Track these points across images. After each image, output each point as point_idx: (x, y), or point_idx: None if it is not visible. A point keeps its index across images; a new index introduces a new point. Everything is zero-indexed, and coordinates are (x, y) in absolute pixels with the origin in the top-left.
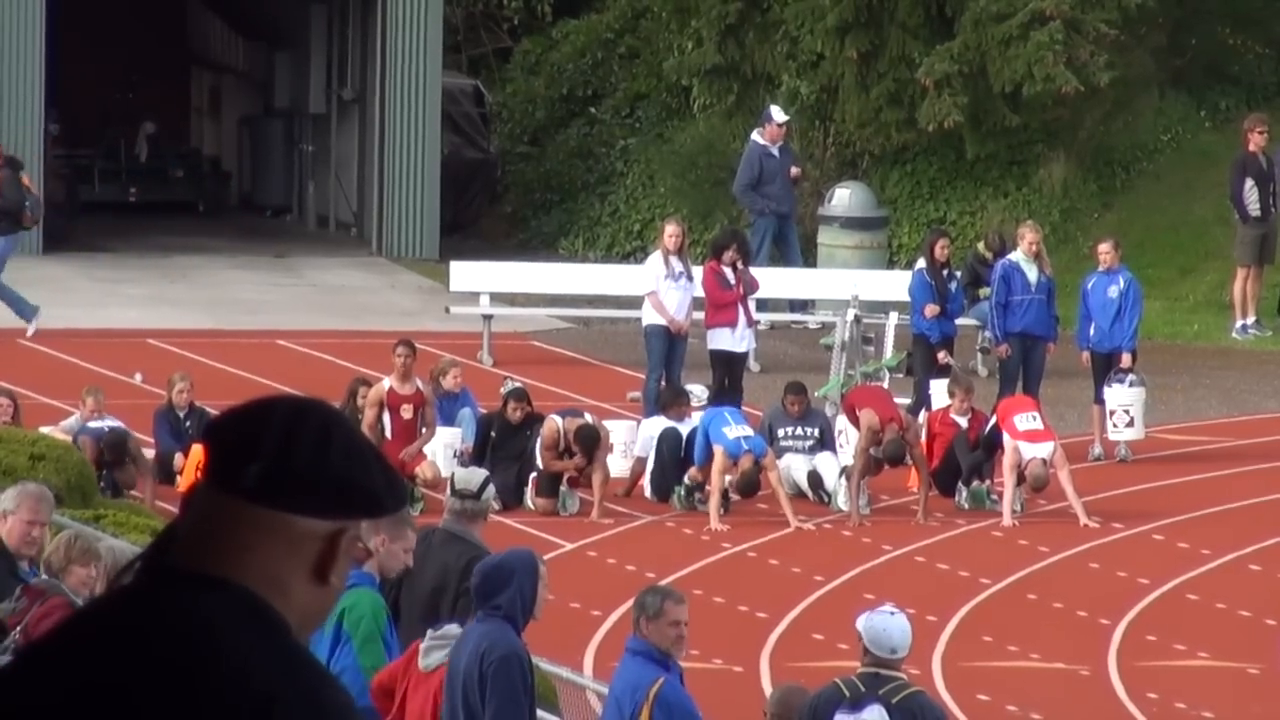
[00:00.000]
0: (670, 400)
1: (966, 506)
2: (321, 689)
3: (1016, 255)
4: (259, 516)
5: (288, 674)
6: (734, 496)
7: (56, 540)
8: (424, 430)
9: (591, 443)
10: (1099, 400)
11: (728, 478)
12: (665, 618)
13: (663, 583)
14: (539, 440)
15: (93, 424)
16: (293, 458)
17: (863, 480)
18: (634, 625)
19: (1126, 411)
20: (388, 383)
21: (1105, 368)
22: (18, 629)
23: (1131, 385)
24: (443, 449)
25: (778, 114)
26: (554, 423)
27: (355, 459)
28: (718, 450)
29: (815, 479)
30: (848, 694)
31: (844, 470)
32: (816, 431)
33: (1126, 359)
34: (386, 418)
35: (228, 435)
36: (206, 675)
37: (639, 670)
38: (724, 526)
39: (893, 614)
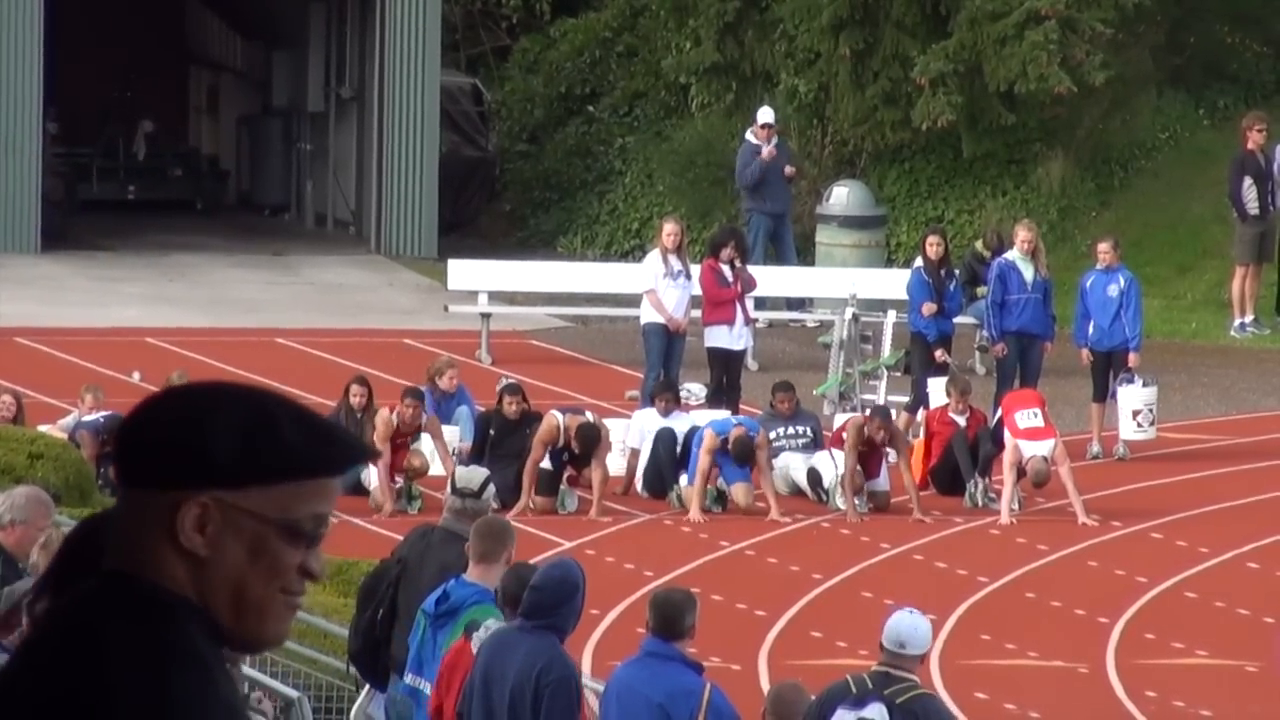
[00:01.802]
0: (657, 391)
1: (980, 504)
2: (183, 689)
3: (1013, 254)
4: (129, 499)
5: (149, 674)
6: (726, 489)
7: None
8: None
9: (591, 442)
10: (1098, 399)
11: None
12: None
13: (661, 581)
14: (538, 434)
15: (88, 417)
16: (134, 432)
17: (854, 481)
18: (662, 630)
19: (1151, 410)
20: (394, 417)
21: (1104, 367)
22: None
23: (1147, 385)
24: (428, 439)
25: (763, 115)
26: (554, 418)
27: (190, 423)
28: (708, 432)
29: (815, 476)
30: (854, 690)
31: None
32: (808, 430)
33: (1134, 358)
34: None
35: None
36: (68, 673)
37: (676, 676)
38: (703, 518)
39: (910, 612)
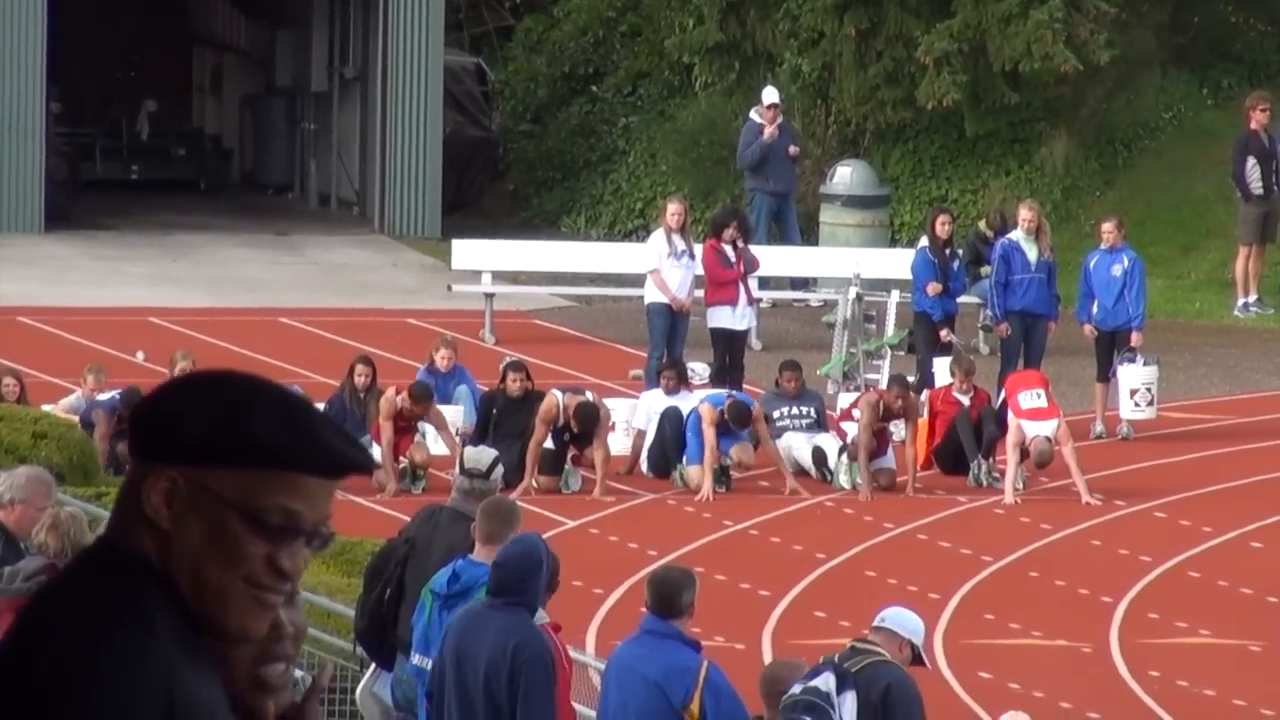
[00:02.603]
0: (660, 369)
1: (984, 483)
2: (107, 648)
3: (1016, 234)
4: (133, 473)
5: (79, 631)
6: (731, 462)
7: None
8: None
9: (590, 421)
10: (1102, 378)
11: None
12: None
13: (665, 560)
14: (539, 414)
15: (102, 396)
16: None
17: (849, 452)
18: (660, 609)
19: (1149, 389)
20: (400, 402)
21: (1109, 346)
22: None
23: (1146, 364)
24: (436, 431)
25: (768, 96)
26: (554, 397)
27: (188, 397)
28: (704, 408)
29: (820, 455)
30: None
31: (843, 448)
32: (812, 411)
33: (1137, 338)
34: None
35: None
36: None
37: (672, 653)
38: (713, 495)
39: (907, 606)
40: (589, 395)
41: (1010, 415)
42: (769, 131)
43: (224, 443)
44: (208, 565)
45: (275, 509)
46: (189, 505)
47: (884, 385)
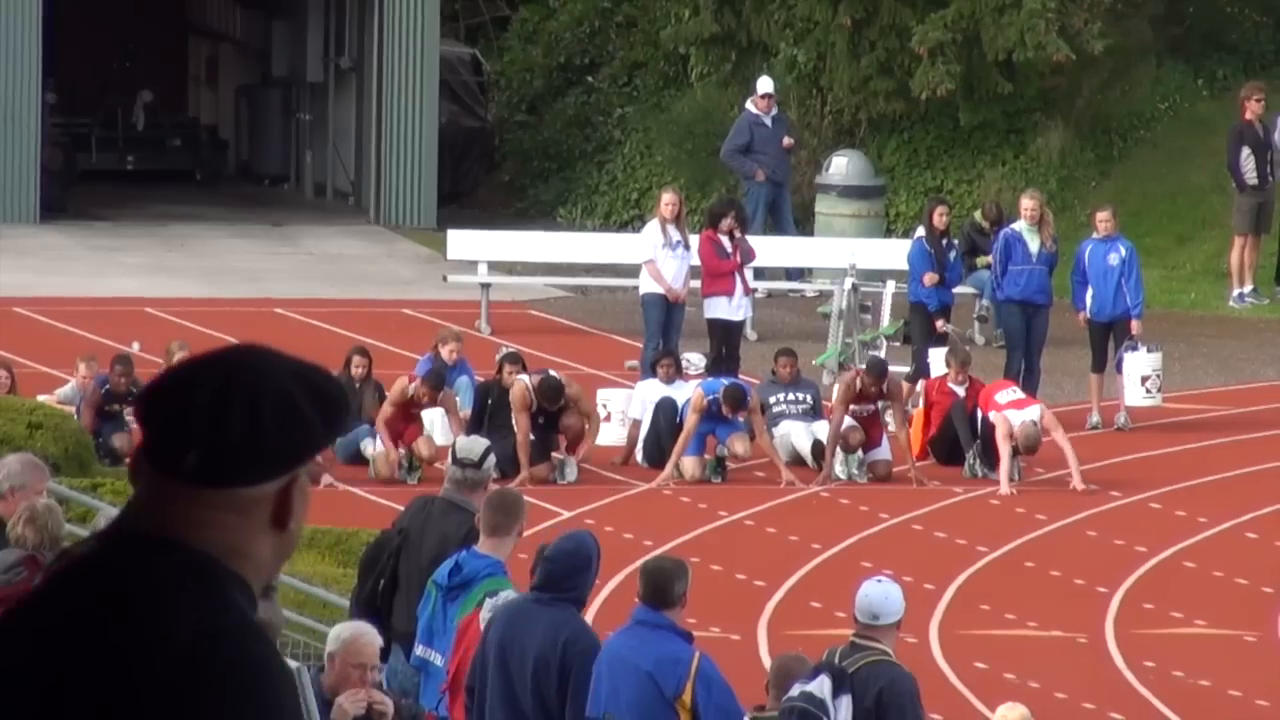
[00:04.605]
0: (657, 359)
1: (979, 474)
2: (245, 646)
3: (1019, 225)
4: (205, 495)
5: (215, 633)
6: (726, 452)
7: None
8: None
9: (555, 393)
10: (1097, 369)
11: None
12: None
13: (660, 551)
14: (512, 405)
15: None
16: (228, 437)
17: (840, 444)
18: (652, 599)
19: (1158, 376)
20: (412, 390)
21: (1104, 337)
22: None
23: (1150, 351)
24: (440, 419)
25: (763, 85)
26: (522, 383)
27: (288, 416)
28: (696, 392)
29: (818, 448)
30: (818, 664)
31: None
32: (809, 397)
33: (1137, 326)
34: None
35: (158, 418)
36: (135, 632)
37: (663, 644)
38: (672, 477)
39: (880, 581)
40: (551, 373)
41: (994, 414)
42: (760, 174)
43: (299, 452)
44: (290, 542)
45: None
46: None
47: (877, 356)
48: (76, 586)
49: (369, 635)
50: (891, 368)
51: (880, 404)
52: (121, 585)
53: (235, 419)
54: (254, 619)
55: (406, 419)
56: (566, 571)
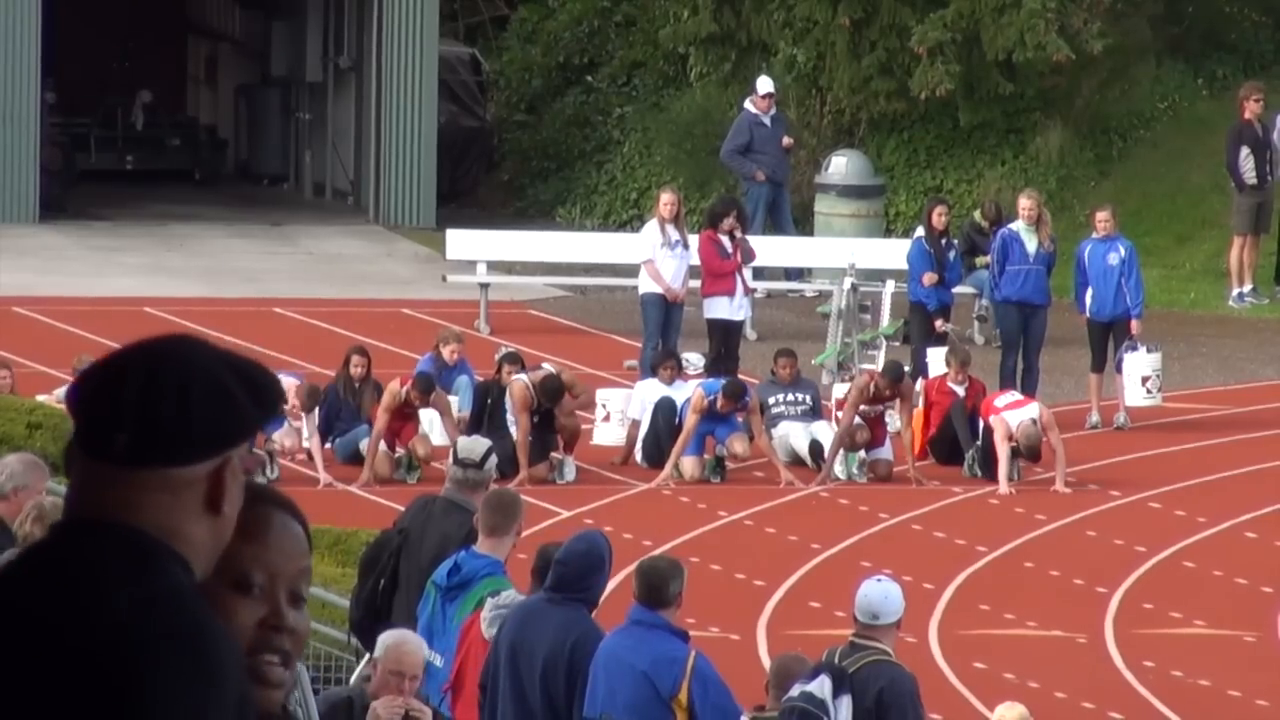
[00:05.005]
0: (658, 361)
1: (980, 474)
2: (181, 610)
3: (1017, 225)
4: (138, 477)
5: (150, 599)
6: (726, 453)
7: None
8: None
9: (554, 394)
10: (1097, 368)
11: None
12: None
13: (659, 550)
14: (512, 405)
15: None
16: (157, 419)
17: (845, 443)
18: (648, 599)
19: (1158, 376)
20: (404, 393)
21: (1104, 336)
22: None
23: (1150, 351)
24: (438, 419)
25: (763, 85)
26: (521, 382)
27: (218, 398)
28: (696, 392)
29: (816, 448)
30: (818, 664)
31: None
32: (808, 398)
33: (1137, 326)
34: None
35: (87, 404)
36: (69, 606)
37: (659, 643)
38: (671, 477)
39: (880, 580)
40: (548, 368)
41: (994, 417)
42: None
43: (231, 433)
44: (225, 527)
45: None
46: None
47: (894, 360)
48: (16, 573)
49: (410, 644)
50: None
51: (886, 404)
52: (57, 565)
53: (164, 400)
54: (190, 586)
55: (403, 418)
56: (580, 573)
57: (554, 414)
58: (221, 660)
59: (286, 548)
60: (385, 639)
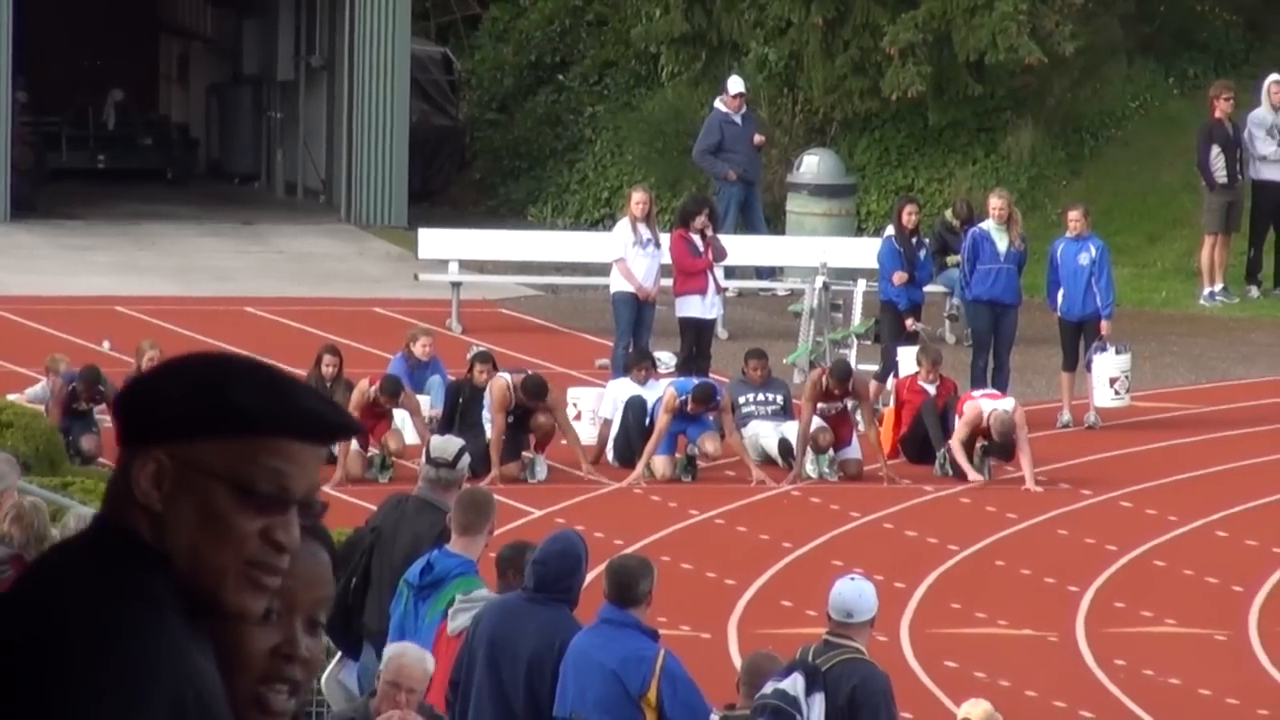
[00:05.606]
0: (633, 361)
1: (950, 473)
2: (116, 612)
3: (987, 224)
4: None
5: (90, 600)
6: (697, 451)
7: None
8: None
9: (539, 392)
10: (1068, 367)
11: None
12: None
13: (630, 549)
14: (490, 402)
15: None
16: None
17: (810, 444)
18: (617, 597)
19: (1126, 377)
20: (372, 393)
21: (1075, 336)
22: None
23: (1119, 352)
24: (409, 417)
25: (734, 85)
26: (502, 380)
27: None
28: (669, 391)
29: (785, 446)
30: (791, 661)
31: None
32: (779, 398)
33: (1106, 326)
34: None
35: (131, 398)
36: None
37: (629, 642)
38: (643, 476)
39: (853, 579)
40: (529, 373)
41: (966, 404)
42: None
43: (206, 411)
44: (203, 545)
45: (263, 475)
46: (178, 485)
47: (841, 356)
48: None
49: (410, 656)
50: (861, 366)
51: (849, 403)
52: (42, 568)
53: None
54: (147, 588)
55: (375, 416)
56: (558, 573)
57: (530, 413)
58: (154, 671)
59: (309, 575)
60: (388, 650)
